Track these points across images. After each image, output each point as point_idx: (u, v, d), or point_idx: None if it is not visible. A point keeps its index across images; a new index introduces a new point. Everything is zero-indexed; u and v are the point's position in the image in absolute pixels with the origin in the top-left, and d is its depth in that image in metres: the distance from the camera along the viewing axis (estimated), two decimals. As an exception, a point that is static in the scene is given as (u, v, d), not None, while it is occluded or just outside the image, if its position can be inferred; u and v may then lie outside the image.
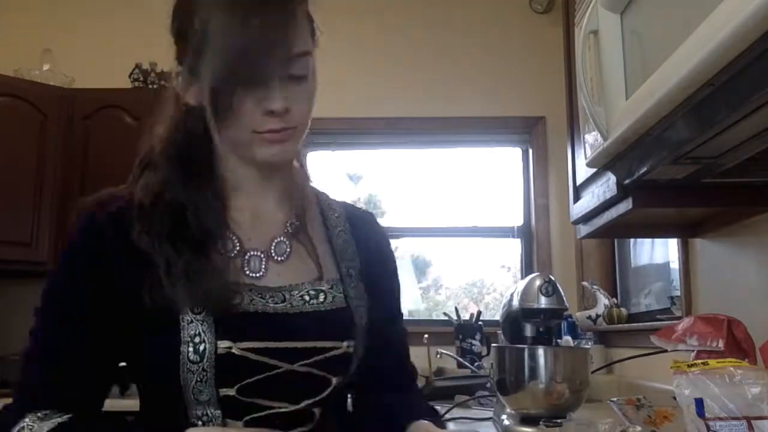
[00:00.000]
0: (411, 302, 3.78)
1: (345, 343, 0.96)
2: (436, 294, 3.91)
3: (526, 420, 1.62)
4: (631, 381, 2.36)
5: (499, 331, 1.86)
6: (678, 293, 2.10)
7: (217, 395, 0.89)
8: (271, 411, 0.92)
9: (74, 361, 0.91)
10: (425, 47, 3.70)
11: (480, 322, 3.10)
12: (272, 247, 0.99)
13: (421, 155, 3.86)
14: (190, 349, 0.88)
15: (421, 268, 3.87)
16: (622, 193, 1.37)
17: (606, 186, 1.44)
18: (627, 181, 1.31)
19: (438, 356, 2.86)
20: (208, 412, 0.90)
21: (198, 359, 0.88)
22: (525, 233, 3.66)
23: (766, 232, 1.55)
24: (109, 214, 0.94)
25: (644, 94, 1.01)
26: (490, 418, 1.95)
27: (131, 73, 3.47)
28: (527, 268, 3.60)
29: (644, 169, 1.19)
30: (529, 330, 1.71)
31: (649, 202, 1.36)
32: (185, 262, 0.89)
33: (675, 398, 1.11)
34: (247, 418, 0.91)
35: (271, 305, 0.93)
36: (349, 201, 1.19)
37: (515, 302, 1.71)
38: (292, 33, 0.92)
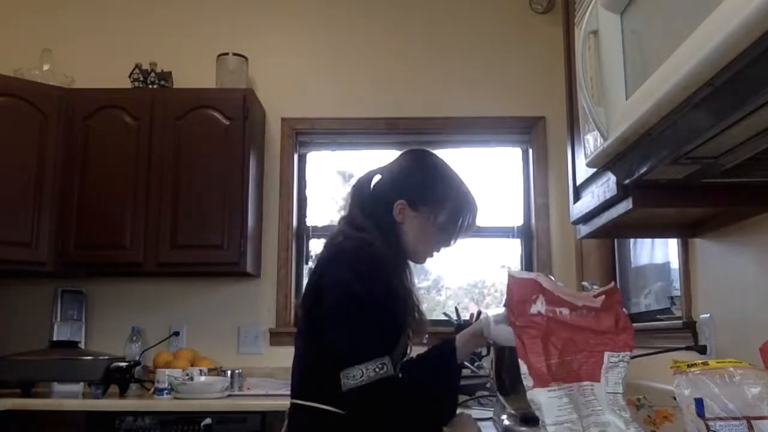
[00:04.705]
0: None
1: None
2: (436, 294, 3.91)
3: (526, 420, 1.62)
4: (631, 381, 2.35)
5: (499, 331, 1.86)
6: (678, 293, 2.09)
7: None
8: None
9: None
10: (425, 47, 3.71)
11: (480, 322, 3.10)
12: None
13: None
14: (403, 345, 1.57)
15: (421, 268, 3.87)
16: (622, 193, 1.37)
17: (606, 186, 1.44)
18: (627, 181, 1.31)
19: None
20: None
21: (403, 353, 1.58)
22: (525, 233, 3.66)
23: (766, 232, 1.55)
24: None
25: (644, 94, 1.01)
26: (490, 418, 1.95)
27: (131, 73, 3.47)
28: (527, 269, 3.59)
29: (644, 169, 1.19)
30: (529, 330, 1.71)
31: (649, 202, 1.36)
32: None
33: (675, 398, 1.11)
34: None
35: None
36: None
37: (515, 302, 1.71)
38: None
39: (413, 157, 1.73)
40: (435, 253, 1.69)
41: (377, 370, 1.38)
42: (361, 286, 1.45)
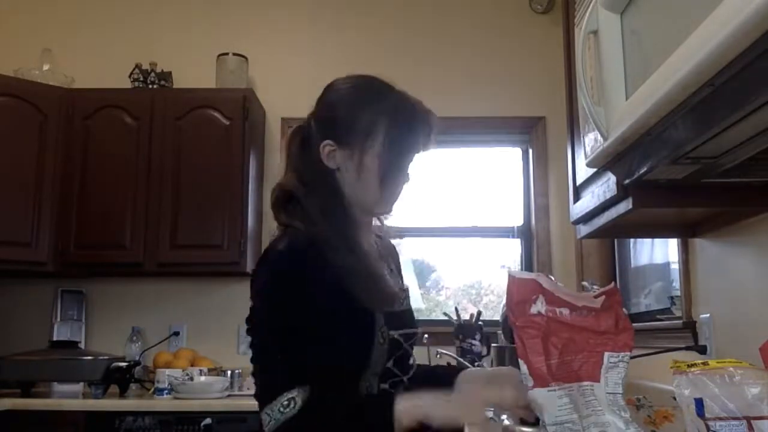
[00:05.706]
0: (411, 302, 3.77)
1: (420, 329, 1.40)
2: (436, 294, 3.91)
3: (526, 420, 1.61)
4: (631, 381, 2.35)
5: (499, 332, 1.86)
6: (678, 293, 2.10)
7: (383, 367, 1.25)
8: (397, 379, 1.29)
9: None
10: (425, 47, 3.70)
11: (480, 323, 3.10)
12: (387, 266, 1.43)
13: (421, 155, 3.85)
14: (379, 335, 1.24)
15: (421, 268, 3.87)
16: (622, 193, 1.37)
17: (606, 186, 1.44)
18: (627, 181, 1.31)
19: (438, 356, 2.86)
20: (371, 381, 1.24)
21: (383, 342, 1.24)
22: (525, 233, 3.66)
23: (766, 232, 1.55)
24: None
25: (644, 94, 1.01)
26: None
27: (131, 73, 3.47)
28: (527, 269, 3.59)
29: (644, 169, 1.19)
30: (529, 330, 1.70)
31: (649, 202, 1.36)
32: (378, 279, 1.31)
33: (675, 398, 1.11)
34: (388, 383, 1.27)
35: (401, 306, 1.36)
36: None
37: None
38: None
39: (327, 87, 1.38)
40: (398, 193, 1.39)
41: (281, 410, 1.13)
42: (279, 300, 1.24)
